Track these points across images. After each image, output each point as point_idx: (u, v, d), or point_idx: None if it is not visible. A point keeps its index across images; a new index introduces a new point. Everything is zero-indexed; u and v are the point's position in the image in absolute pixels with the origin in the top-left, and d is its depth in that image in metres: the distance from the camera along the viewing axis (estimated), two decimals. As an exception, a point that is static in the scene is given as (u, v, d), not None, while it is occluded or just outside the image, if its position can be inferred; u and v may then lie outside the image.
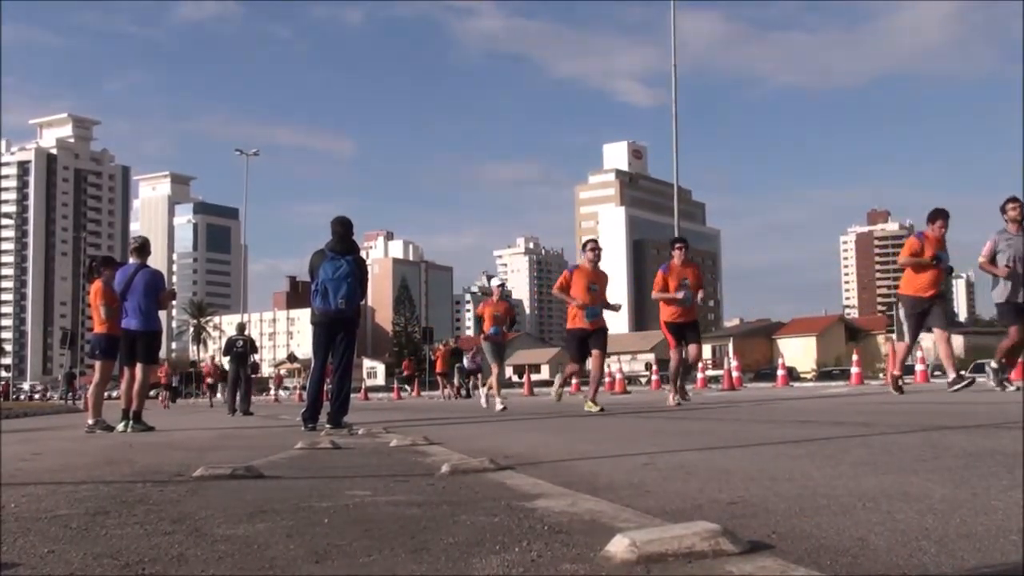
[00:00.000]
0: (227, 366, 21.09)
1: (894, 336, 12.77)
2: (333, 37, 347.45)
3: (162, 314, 10.78)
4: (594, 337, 11.14)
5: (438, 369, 34.22)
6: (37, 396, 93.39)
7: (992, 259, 10.88)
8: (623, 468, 3.88)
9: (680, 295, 11.32)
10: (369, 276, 9.79)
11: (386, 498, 3.06)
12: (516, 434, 7.61)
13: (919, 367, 22.72)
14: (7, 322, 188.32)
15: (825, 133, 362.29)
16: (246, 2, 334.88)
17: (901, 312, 11.34)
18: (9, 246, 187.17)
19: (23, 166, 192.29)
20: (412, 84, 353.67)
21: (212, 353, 24.39)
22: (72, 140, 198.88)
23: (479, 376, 34.43)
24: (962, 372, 11.54)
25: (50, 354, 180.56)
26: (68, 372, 50.68)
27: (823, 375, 54.34)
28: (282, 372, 76.36)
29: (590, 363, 11.35)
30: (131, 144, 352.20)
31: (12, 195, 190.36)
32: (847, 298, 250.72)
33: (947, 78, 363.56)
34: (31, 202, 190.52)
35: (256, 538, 2.32)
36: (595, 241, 11.80)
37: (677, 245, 11.87)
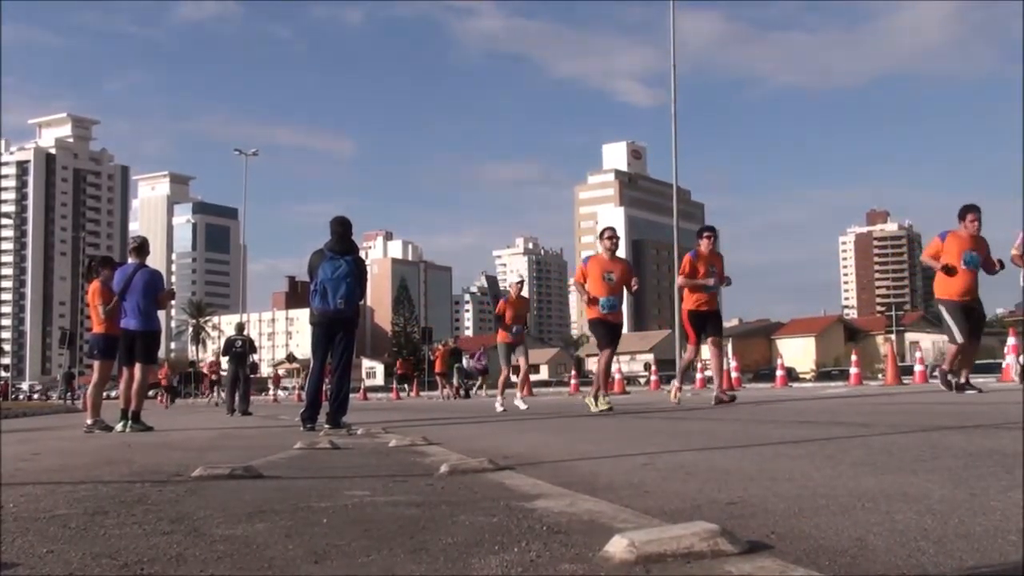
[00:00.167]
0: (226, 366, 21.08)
1: (946, 338, 12.04)
2: (333, 37, 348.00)
3: (161, 314, 10.78)
4: (614, 331, 11.06)
5: (437, 369, 34.23)
6: (36, 396, 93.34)
7: None
8: (622, 468, 3.88)
9: (711, 281, 11.09)
10: (368, 276, 9.79)
11: (385, 498, 3.06)
12: (515, 434, 7.61)
13: (917, 367, 22.70)
14: (6, 322, 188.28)
15: (824, 133, 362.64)
16: (246, 2, 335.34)
17: (945, 314, 10.78)
18: (8, 246, 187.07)
19: (22, 166, 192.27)
20: (412, 84, 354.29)
21: (215, 356, 24.40)
22: (71, 140, 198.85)
23: (485, 377, 34.46)
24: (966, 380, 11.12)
25: (49, 354, 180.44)
26: (67, 372, 50.62)
27: (822, 375, 54.39)
28: (280, 372, 76.31)
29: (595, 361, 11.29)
30: (130, 144, 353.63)
31: (11, 195, 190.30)
32: (846, 299, 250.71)
33: (947, 78, 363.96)
34: (30, 202, 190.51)
35: (255, 538, 2.32)
36: (612, 229, 11.52)
37: (706, 233, 11.48)
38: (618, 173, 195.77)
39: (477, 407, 17.28)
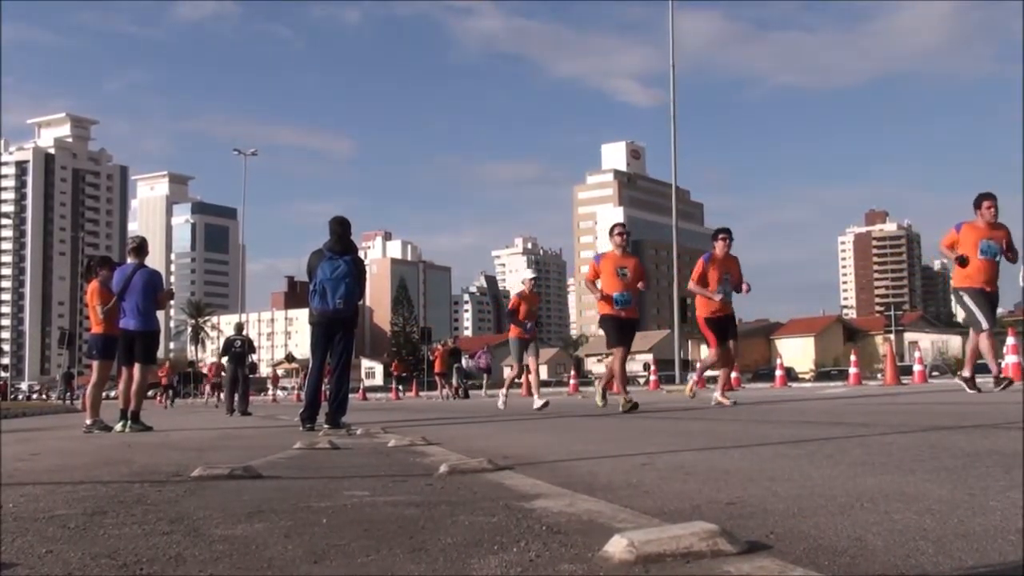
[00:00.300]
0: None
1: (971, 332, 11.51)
2: (331, 36, 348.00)
3: (160, 314, 10.77)
4: (629, 328, 10.88)
5: (436, 369, 34.21)
6: (35, 396, 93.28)
7: None
8: (622, 468, 3.88)
9: (716, 297, 10.83)
10: (367, 276, 9.78)
11: (384, 498, 3.06)
12: (515, 434, 7.61)
13: (916, 367, 22.70)
14: (5, 322, 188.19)
15: (823, 133, 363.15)
16: (244, 2, 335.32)
17: (967, 300, 10.43)
18: (7, 246, 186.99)
19: (21, 166, 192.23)
20: (411, 84, 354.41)
21: (216, 359, 24.31)
22: (70, 140, 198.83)
23: (489, 376, 34.46)
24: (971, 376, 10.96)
25: (48, 354, 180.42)
26: (66, 372, 50.64)
27: (821, 375, 54.39)
28: (278, 372, 76.27)
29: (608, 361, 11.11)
30: (129, 144, 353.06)
31: (10, 195, 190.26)
32: (845, 299, 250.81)
33: (946, 78, 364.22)
34: (29, 202, 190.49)
35: (254, 538, 2.32)
36: (622, 225, 11.31)
37: (721, 235, 11.18)
38: (617, 173, 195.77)
39: (476, 407, 17.29)
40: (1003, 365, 11.82)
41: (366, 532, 2.35)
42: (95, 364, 10.78)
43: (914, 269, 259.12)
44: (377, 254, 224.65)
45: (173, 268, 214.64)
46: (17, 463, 5.11)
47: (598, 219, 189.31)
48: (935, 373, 41.84)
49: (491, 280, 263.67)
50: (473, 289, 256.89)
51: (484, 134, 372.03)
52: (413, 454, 5.02)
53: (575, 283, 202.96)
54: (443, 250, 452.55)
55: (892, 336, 67.56)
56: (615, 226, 11.23)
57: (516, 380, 14.92)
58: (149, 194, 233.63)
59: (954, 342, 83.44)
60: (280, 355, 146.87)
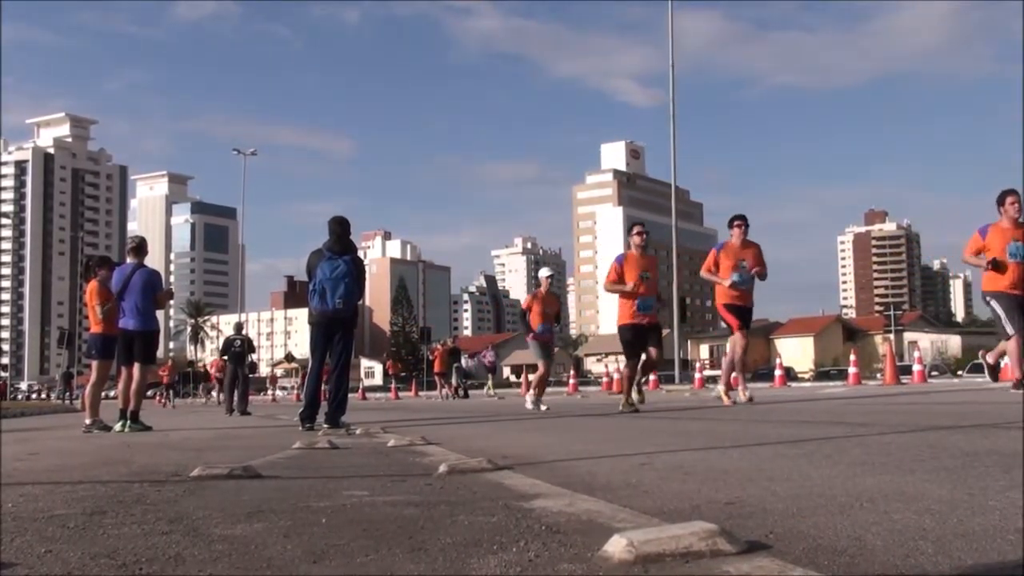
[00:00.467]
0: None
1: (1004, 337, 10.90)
2: (331, 36, 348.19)
3: (159, 314, 10.77)
4: (652, 334, 10.50)
5: (436, 369, 34.19)
6: (35, 396, 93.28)
7: None
8: (621, 468, 3.88)
9: (727, 283, 10.57)
10: (367, 276, 9.77)
11: (384, 498, 3.06)
12: (514, 434, 7.61)
13: (916, 367, 22.71)
14: (5, 321, 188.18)
15: (823, 133, 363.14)
16: (243, 1, 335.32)
17: (995, 305, 9.92)
18: (7, 246, 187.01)
19: (20, 165, 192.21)
20: (410, 83, 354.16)
21: (220, 358, 24.33)
22: (70, 139, 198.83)
23: (495, 375, 34.41)
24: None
25: (47, 354, 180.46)
26: (65, 372, 50.66)
27: (821, 375, 54.40)
28: (276, 372, 76.29)
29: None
30: (129, 143, 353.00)
31: (10, 194, 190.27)
32: (844, 298, 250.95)
33: (946, 77, 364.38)
34: (28, 201, 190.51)
35: (254, 538, 2.32)
36: (641, 224, 10.96)
37: (736, 222, 10.88)
38: (616, 173, 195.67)
39: (476, 407, 17.29)
40: None
41: (365, 532, 2.35)
42: (94, 364, 10.77)
43: (913, 269, 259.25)
44: (377, 254, 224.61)
45: (172, 268, 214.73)
46: (16, 463, 5.11)
47: (597, 219, 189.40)
48: (934, 373, 41.87)
49: (491, 280, 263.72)
50: (473, 289, 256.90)
51: (483, 134, 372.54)
52: (412, 454, 5.02)
53: (574, 283, 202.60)
54: (443, 250, 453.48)
55: (891, 336, 67.58)
56: (635, 225, 10.92)
57: (549, 379, 14.02)
58: (148, 194, 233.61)
59: (953, 342, 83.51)
60: (279, 355, 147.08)
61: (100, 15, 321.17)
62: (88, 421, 10.32)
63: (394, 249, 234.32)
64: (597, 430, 7.59)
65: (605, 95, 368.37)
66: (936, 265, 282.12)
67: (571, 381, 34.32)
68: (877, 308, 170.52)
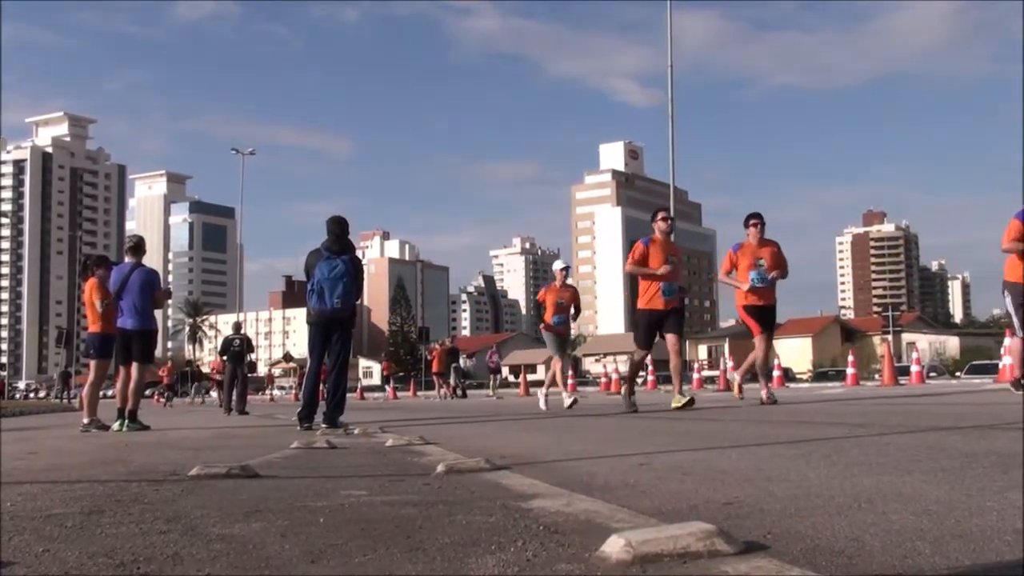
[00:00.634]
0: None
1: (1011, 335, 10.65)
2: (330, 36, 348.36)
3: (157, 313, 10.76)
4: (672, 319, 10.11)
5: (434, 369, 34.20)
6: (32, 395, 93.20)
7: None
8: (619, 468, 3.88)
9: (744, 286, 10.35)
10: (365, 276, 9.77)
11: (382, 498, 3.06)
12: (512, 434, 7.61)
13: (914, 368, 22.71)
14: (3, 320, 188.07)
15: (822, 133, 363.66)
16: (243, 1, 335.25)
17: (1008, 302, 9.72)
18: (5, 245, 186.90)
19: (19, 164, 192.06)
20: (409, 83, 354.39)
21: (220, 358, 24.16)
22: (68, 139, 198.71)
23: (498, 376, 34.39)
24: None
25: (45, 353, 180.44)
26: (63, 371, 50.65)
27: (819, 376, 54.40)
28: (274, 372, 76.25)
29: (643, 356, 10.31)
30: (127, 143, 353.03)
31: (8, 193, 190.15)
32: (843, 299, 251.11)
33: (945, 78, 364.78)
34: (27, 200, 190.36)
35: (251, 538, 2.32)
36: (666, 210, 10.50)
37: (752, 221, 10.60)
38: (615, 173, 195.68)
39: (474, 407, 17.29)
40: None
41: (363, 532, 2.35)
42: (92, 363, 10.76)
43: (912, 270, 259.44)
44: (375, 253, 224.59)
45: (171, 267, 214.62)
46: (14, 462, 5.11)
47: (596, 219, 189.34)
48: (932, 374, 41.87)
49: (489, 280, 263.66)
50: (471, 289, 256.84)
51: (482, 134, 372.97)
52: (410, 453, 5.02)
53: (573, 283, 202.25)
54: (441, 250, 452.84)
55: (890, 337, 67.53)
56: (660, 211, 10.44)
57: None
58: (147, 193, 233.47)
59: (951, 343, 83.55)
60: (278, 354, 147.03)
61: (99, 15, 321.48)
62: (86, 420, 10.31)
63: (392, 249, 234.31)
64: (595, 430, 7.59)
65: (604, 95, 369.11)
66: (934, 266, 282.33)
67: (569, 381, 34.28)
68: (875, 309, 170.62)
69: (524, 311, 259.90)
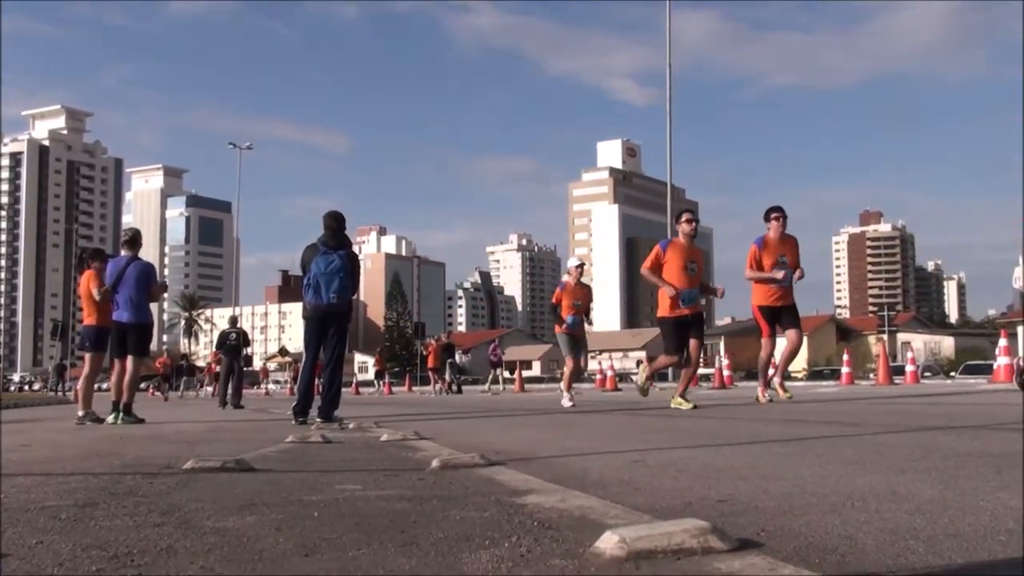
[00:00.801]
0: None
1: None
2: (327, 32, 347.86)
3: (153, 307, 10.75)
4: (696, 326, 9.86)
5: (430, 365, 34.14)
6: (27, 387, 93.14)
7: None
8: (613, 465, 3.88)
9: (780, 275, 10.04)
10: (361, 271, 9.76)
11: (376, 492, 3.06)
12: (507, 430, 7.61)
13: (909, 368, 22.74)
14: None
15: (819, 133, 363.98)
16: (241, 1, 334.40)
17: (1019, 294, 9.72)
18: (1, 237, 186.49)
19: (15, 157, 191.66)
20: (406, 80, 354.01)
21: (216, 351, 24.01)
22: (65, 132, 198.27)
23: (500, 370, 34.29)
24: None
25: (40, 345, 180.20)
26: (58, 364, 50.54)
27: (814, 375, 54.44)
28: (268, 366, 76.19)
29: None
30: (124, 136, 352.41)
31: (4, 186, 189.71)
32: (838, 298, 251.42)
33: (943, 78, 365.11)
34: (23, 193, 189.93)
35: (246, 531, 2.32)
36: (691, 212, 10.04)
37: (774, 215, 10.25)
38: (612, 170, 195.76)
39: (469, 403, 17.29)
40: None
41: (357, 526, 2.35)
42: (87, 356, 10.75)
43: (908, 270, 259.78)
44: (371, 249, 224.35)
45: (167, 261, 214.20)
46: (9, 454, 5.10)
47: (593, 216, 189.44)
48: (927, 374, 41.93)
49: (485, 276, 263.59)
50: (467, 285, 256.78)
51: (480, 131, 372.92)
52: (405, 449, 5.02)
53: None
54: (437, 246, 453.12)
55: (885, 336, 67.57)
56: (684, 212, 10.06)
57: (575, 374, 13.11)
58: (143, 187, 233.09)
59: (946, 343, 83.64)
60: (273, 349, 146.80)
61: (94, 7, 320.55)
62: (81, 413, 10.30)
63: (389, 244, 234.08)
64: (591, 426, 7.59)
65: (602, 93, 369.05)
66: (930, 266, 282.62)
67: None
68: (871, 308, 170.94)
69: (520, 307, 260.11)
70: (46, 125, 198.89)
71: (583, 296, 12.89)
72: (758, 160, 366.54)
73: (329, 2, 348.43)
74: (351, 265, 8.88)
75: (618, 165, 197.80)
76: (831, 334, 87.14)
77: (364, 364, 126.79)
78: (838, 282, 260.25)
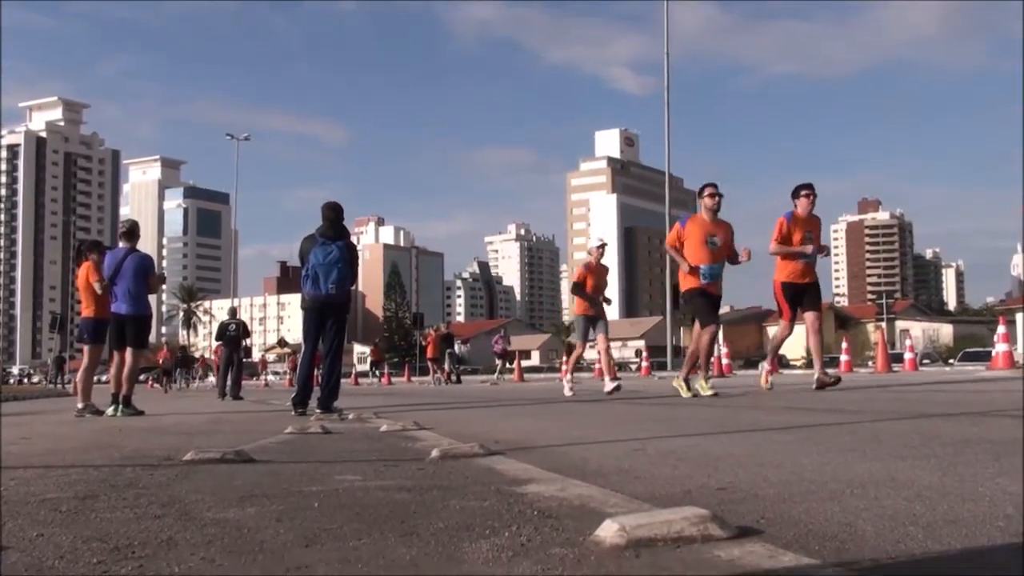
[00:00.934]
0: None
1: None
2: (326, 23, 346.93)
3: (152, 299, 10.74)
4: (717, 305, 9.66)
5: (429, 355, 34.17)
6: (26, 380, 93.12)
7: None
8: (613, 454, 3.89)
9: (809, 249, 9.65)
10: (360, 261, 9.75)
11: (376, 483, 3.07)
12: (506, 420, 7.62)
13: (908, 355, 22.77)
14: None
15: (818, 121, 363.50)
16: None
17: None
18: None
19: (12, 149, 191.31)
20: (405, 70, 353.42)
21: (218, 341, 23.94)
22: (62, 123, 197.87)
23: (506, 360, 34.23)
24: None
25: (39, 338, 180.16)
26: (57, 356, 50.55)
27: (812, 362, 54.39)
28: (267, 357, 76.20)
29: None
30: (121, 128, 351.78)
31: (2, 179, 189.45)
32: (837, 286, 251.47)
33: (942, 68, 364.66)
34: (20, 185, 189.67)
35: (246, 522, 2.32)
36: (714, 186, 9.72)
37: (804, 192, 9.80)
38: (611, 160, 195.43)
39: (468, 393, 17.30)
40: None
41: (358, 516, 2.35)
42: (86, 348, 10.74)
43: (906, 258, 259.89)
44: (370, 239, 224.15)
45: (165, 252, 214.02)
46: (8, 447, 5.10)
47: (591, 206, 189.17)
48: (926, 361, 42.01)
49: (484, 266, 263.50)
50: (466, 275, 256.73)
51: (478, 121, 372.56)
52: (405, 439, 5.02)
53: (567, 269, 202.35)
54: (436, 236, 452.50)
55: (883, 324, 67.70)
56: (707, 186, 9.75)
57: (580, 361, 13.04)
58: (141, 178, 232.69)
59: (945, 331, 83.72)
60: (272, 340, 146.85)
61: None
62: (80, 405, 10.30)
63: (387, 235, 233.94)
64: (590, 416, 7.60)
65: (600, 82, 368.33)
66: (929, 254, 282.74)
67: (564, 367, 34.29)
68: (869, 296, 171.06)
69: (519, 297, 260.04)
70: (43, 117, 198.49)
71: (604, 276, 12.77)
72: (756, 149, 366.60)
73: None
74: (349, 256, 8.87)
75: (616, 155, 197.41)
76: (830, 322, 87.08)
77: (363, 355, 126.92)
78: (836, 270, 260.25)
